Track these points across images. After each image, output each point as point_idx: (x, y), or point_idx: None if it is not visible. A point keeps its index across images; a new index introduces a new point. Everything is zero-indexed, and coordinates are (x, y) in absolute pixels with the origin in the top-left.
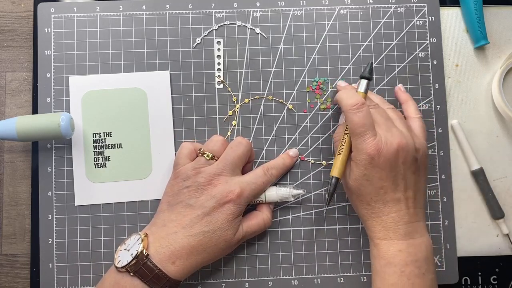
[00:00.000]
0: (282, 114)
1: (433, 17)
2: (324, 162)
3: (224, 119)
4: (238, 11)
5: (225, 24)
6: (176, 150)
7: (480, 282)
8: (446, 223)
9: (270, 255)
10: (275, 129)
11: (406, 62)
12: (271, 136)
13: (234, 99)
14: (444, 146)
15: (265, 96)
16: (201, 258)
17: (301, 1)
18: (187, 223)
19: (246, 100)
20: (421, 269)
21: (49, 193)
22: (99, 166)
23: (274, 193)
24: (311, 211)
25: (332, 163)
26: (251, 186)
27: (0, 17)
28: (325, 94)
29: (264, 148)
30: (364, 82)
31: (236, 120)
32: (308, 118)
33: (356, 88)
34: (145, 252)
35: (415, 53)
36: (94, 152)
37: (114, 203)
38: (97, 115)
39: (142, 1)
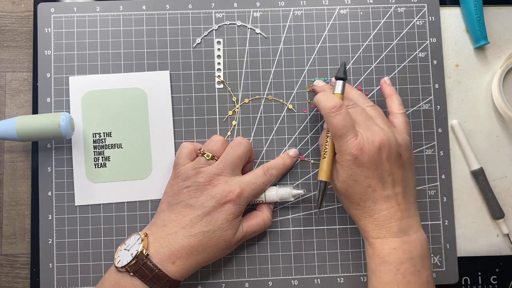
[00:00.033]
0: (282, 114)
1: (433, 17)
2: None
3: (224, 119)
4: (238, 11)
5: (225, 24)
6: (176, 150)
7: (480, 282)
8: (446, 223)
9: (270, 255)
10: (275, 129)
11: (406, 62)
12: (271, 136)
13: (234, 99)
14: (444, 146)
15: (265, 96)
16: (201, 258)
17: (301, 1)
18: (187, 223)
19: (246, 100)
20: (417, 266)
21: (49, 193)
22: (99, 166)
23: (274, 193)
24: (311, 211)
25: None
26: (251, 186)
27: (0, 17)
28: None
29: (264, 148)
30: (339, 83)
31: (236, 120)
32: (308, 118)
33: (333, 90)
34: (145, 252)
35: (415, 53)
36: (94, 152)
37: (114, 203)
38: (97, 115)
39: (142, 1)
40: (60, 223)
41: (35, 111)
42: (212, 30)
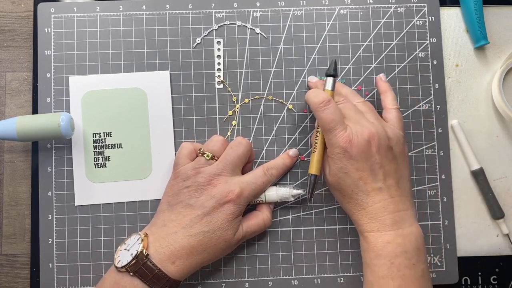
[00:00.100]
0: (282, 114)
1: (433, 17)
2: None
3: (224, 119)
4: (238, 11)
5: (225, 24)
6: (176, 150)
7: (480, 282)
8: (446, 223)
9: (270, 255)
10: (275, 129)
11: (406, 62)
12: (271, 136)
13: (234, 99)
14: (444, 146)
15: (265, 96)
16: (201, 258)
17: (301, 1)
18: (187, 223)
19: (246, 100)
20: (411, 260)
21: (49, 193)
22: (99, 166)
23: (274, 193)
24: (311, 211)
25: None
26: (251, 186)
27: (0, 17)
28: None
29: (264, 148)
30: (330, 79)
31: (236, 120)
32: (308, 118)
33: (324, 86)
34: (145, 252)
35: (415, 53)
36: (94, 152)
37: (114, 203)
38: (97, 115)
39: (142, 1)
40: (60, 223)
41: (35, 111)
42: (212, 30)
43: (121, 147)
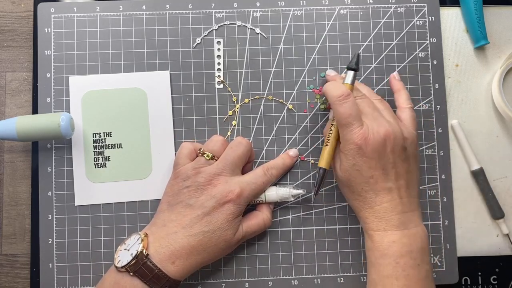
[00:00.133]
0: (282, 114)
1: (433, 17)
2: None
3: (224, 119)
4: (238, 11)
5: (225, 24)
6: (176, 150)
7: (480, 282)
8: (446, 223)
9: (270, 255)
10: (275, 129)
11: (406, 62)
12: (271, 136)
13: (234, 99)
14: (444, 146)
15: (265, 96)
16: (201, 258)
17: (301, 1)
18: (187, 223)
19: (246, 100)
20: (416, 260)
21: (49, 193)
22: (99, 166)
23: (274, 193)
24: (311, 211)
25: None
26: (251, 186)
27: (0, 17)
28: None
29: (264, 148)
30: (350, 73)
31: (236, 120)
32: (308, 118)
33: (343, 80)
34: (145, 252)
35: (415, 53)
36: (94, 152)
37: (114, 203)
38: (97, 115)
39: (142, 1)
40: (60, 223)
41: (35, 111)
42: (212, 30)
43: (121, 147)
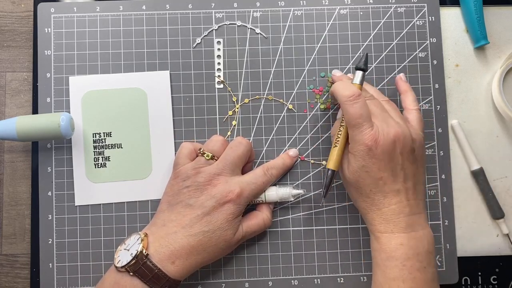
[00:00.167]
0: (282, 114)
1: (433, 17)
2: (324, 162)
3: (224, 119)
4: (238, 11)
5: (225, 24)
6: (176, 150)
7: (480, 282)
8: (446, 223)
9: (270, 255)
10: (275, 129)
11: (406, 62)
12: (271, 136)
13: (234, 99)
14: (444, 146)
15: (265, 96)
16: (201, 258)
17: (301, 1)
18: (187, 223)
19: (246, 100)
20: (423, 262)
21: (49, 193)
22: (99, 166)
23: (274, 193)
24: (311, 211)
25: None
26: (251, 186)
27: (0, 17)
28: (325, 94)
29: (264, 148)
30: (359, 73)
31: (236, 120)
32: (308, 118)
33: (352, 80)
34: (145, 252)
35: (415, 53)
36: (94, 152)
37: (114, 203)
38: (97, 115)
39: (142, 1)
40: (60, 223)
41: (35, 111)
42: (212, 30)
43: (121, 147)
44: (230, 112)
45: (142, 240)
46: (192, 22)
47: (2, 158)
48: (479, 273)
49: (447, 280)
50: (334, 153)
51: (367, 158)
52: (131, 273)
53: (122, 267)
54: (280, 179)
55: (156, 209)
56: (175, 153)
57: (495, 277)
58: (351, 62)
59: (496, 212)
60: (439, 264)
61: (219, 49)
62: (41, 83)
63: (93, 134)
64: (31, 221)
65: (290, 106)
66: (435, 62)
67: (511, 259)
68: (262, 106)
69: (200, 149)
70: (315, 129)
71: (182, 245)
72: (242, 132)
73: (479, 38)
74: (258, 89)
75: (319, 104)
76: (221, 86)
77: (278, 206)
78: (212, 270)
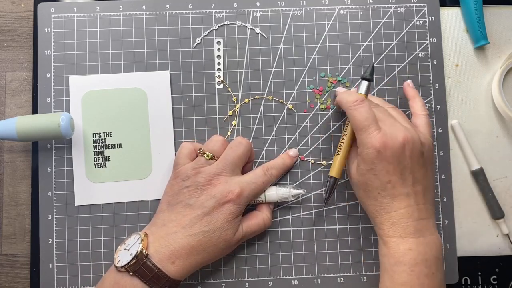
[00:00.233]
0: (282, 114)
1: (433, 17)
2: (324, 162)
3: (224, 119)
4: (238, 11)
5: (225, 24)
6: (176, 150)
7: (480, 282)
8: (446, 223)
9: (270, 255)
10: (275, 129)
11: (406, 62)
12: (271, 136)
13: (234, 99)
14: (444, 146)
15: (265, 96)
16: (201, 258)
17: (301, 1)
18: (187, 223)
19: (246, 100)
20: (431, 268)
21: (49, 193)
22: (99, 166)
23: (274, 193)
24: (311, 211)
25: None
26: (251, 186)
27: (0, 17)
28: (325, 94)
29: (264, 148)
30: (364, 83)
31: (236, 120)
32: (308, 118)
33: (357, 90)
34: (145, 252)
35: (415, 53)
36: (94, 152)
37: (114, 203)
38: (97, 115)
39: (142, 1)
40: (60, 223)
41: (35, 111)
42: (212, 30)
43: (121, 147)
44: (230, 112)
45: (142, 240)
46: (192, 22)
47: (2, 158)
48: (479, 273)
49: (447, 280)
50: (337, 161)
51: (376, 161)
52: (131, 273)
53: (122, 267)
54: (280, 179)
55: (156, 209)
56: (175, 153)
57: (495, 277)
58: (351, 62)
59: (496, 212)
60: None
61: (219, 49)
62: (41, 83)
63: (93, 134)
64: (31, 221)
65: (290, 106)
66: (435, 62)
67: (511, 259)
68: (262, 106)
69: (200, 149)
70: (315, 129)
71: (182, 245)
72: (242, 132)
73: (479, 38)
74: (258, 89)
75: (319, 104)
76: (221, 86)
77: (278, 206)
78: (212, 270)
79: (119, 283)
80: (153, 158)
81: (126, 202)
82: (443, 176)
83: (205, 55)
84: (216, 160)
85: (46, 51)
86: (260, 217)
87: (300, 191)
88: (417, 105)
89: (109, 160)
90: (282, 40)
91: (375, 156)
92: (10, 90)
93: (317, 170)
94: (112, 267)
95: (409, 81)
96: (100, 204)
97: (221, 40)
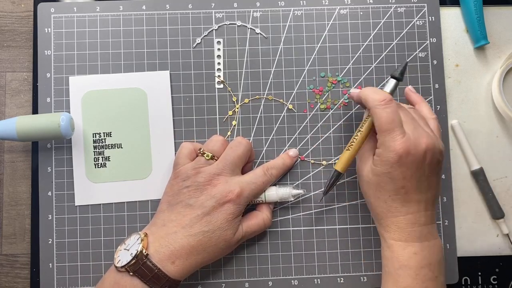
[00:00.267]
0: (282, 114)
1: (433, 17)
2: (324, 162)
3: (224, 119)
4: (238, 11)
5: (225, 24)
6: (176, 150)
7: (480, 282)
8: (446, 223)
9: (270, 255)
10: (275, 129)
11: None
12: (271, 136)
13: (234, 99)
14: (444, 146)
15: (265, 96)
16: (201, 258)
17: (301, 1)
18: (187, 223)
19: (246, 100)
20: (434, 272)
21: (49, 193)
22: (99, 166)
23: (274, 193)
24: (311, 211)
25: (333, 162)
26: (251, 186)
27: (0, 17)
28: (325, 94)
29: (264, 148)
30: (392, 81)
31: (236, 120)
32: (308, 118)
33: (383, 87)
34: (145, 252)
35: (415, 53)
36: (94, 152)
37: (114, 203)
38: (97, 115)
39: (142, 1)
40: (60, 223)
41: (35, 111)
42: (212, 30)
43: (121, 147)
44: (230, 112)
45: (142, 240)
46: (192, 22)
47: (2, 158)
48: (479, 273)
49: (447, 280)
50: (345, 156)
51: (396, 166)
52: (131, 273)
53: (122, 267)
54: (280, 179)
55: (156, 209)
56: (175, 153)
57: (495, 277)
58: (351, 62)
59: (496, 212)
60: None
61: (219, 49)
62: (41, 83)
63: (93, 134)
64: (31, 221)
65: (290, 106)
66: (435, 62)
67: (511, 259)
68: (262, 106)
69: (200, 149)
70: (315, 129)
71: (182, 245)
72: (242, 132)
73: (479, 38)
74: (258, 89)
75: (319, 104)
76: (221, 86)
77: (278, 206)
78: (212, 270)
79: (119, 283)
80: (153, 158)
81: (126, 202)
82: (443, 176)
83: (205, 55)
84: (216, 160)
85: (46, 51)
86: (260, 217)
87: (300, 191)
88: (425, 110)
89: (109, 160)
90: (282, 40)
91: (395, 160)
92: (10, 90)
93: (317, 170)
94: (112, 267)
95: (410, 87)
96: (100, 204)
97: (221, 40)
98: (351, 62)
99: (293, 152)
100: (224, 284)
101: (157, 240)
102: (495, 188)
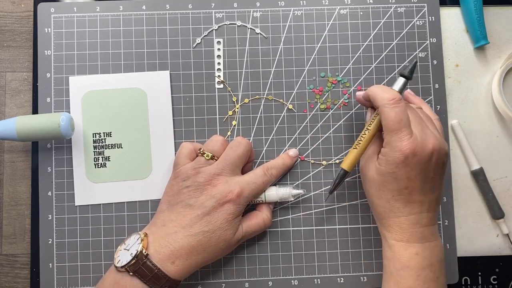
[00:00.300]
0: (282, 114)
1: (433, 17)
2: (324, 162)
3: (224, 119)
4: (238, 11)
5: (225, 24)
6: (176, 150)
7: (480, 282)
8: (446, 223)
9: (270, 255)
10: (275, 129)
11: (406, 62)
12: (271, 136)
13: (234, 99)
14: None
15: (265, 96)
16: (201, 258)
17: (301, 1)
18: (187, 223)
19: (246, 100)
20: (436, 272)
21: (49, 193)
22: (99, 166)
23: (274, 193)
24: (311, 211)
25: (333, 162)
26: (251, 186)
27: (0, 17)
28: (325, 94)
29: (264, 148)
30: (401, 80)
31: (236, 120)
32: (308, 118)
33: (392, 85)
34: (145, 252)
35: (415, 53)
36: (94, 152)
37: (114, 203)
38: (97, 115)
39: (142, 1)
40: (60, 223)
41: (35, 111)
42: (212, 30)
43: (121, 147)
44: (230, 112)
45: (142, 240)
46: (192, 22)
47: (2, 158)
48: (479, 273)
49: (447, 280)
50: (352, 155)
51: (401, 166)
52: (131, 273)
53: (122, 267)
54: (280, 179)
55: (156, 209)
56: (175, 153)
57: (495, 277)
58: (351, 62)
59: (496, 212)
60: None
61: (219, 49)
62: (41, 83)
63: (93, 134)
64: (31, 221)
65: (290, 106)
66: (435, 62)
67: (511, 259)
68: (262, 106)
69: (200, 149)
70: (315, 129)
71: (182, 245)
72: (242, 132)
73: (479, 38)
74: (258, 89)
75: (319, 104)
76: (221, 86)
77: (278, 206)
78: (212, 270)
79: (119, 283)
80: (153, 158)
81: (126, 202)
82: None
83: (205, 55)
84: (216, 160)
85: (46, 51)
86: (260, 217)
87: (300, 191)
88: (428, 111)
89: (109, 160)
90: (282, 40)
91: (401, 161)
92: (10, 90)
93: (317, 170)
94: (112, 267)
95: (409, 90)
96: (100, 204)
97: (221, 40)
98: (351, 62)
99: (293, 152)
100: (224, 284)
101: (157, 240)
102: (495, 188)
